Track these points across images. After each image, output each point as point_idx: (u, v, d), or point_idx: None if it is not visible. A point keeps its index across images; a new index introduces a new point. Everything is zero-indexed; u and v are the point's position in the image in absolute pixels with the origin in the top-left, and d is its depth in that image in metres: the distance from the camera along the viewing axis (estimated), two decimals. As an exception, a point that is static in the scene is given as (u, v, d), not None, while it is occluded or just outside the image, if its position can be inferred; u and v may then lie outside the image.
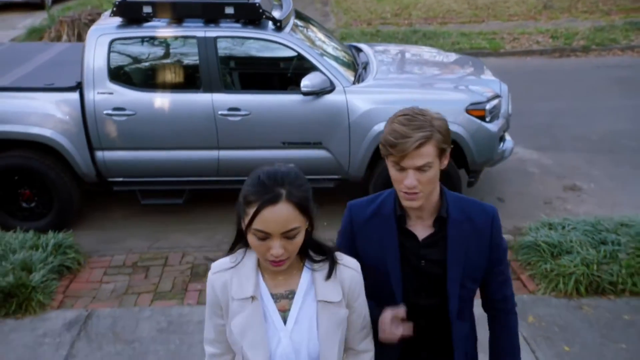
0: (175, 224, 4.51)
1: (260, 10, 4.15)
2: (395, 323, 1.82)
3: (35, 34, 10.33)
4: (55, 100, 4.20)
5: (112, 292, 3.64)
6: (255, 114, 4.16)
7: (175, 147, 4.25)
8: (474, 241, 1.89)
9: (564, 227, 3.84)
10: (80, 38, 9.83)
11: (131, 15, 4.22)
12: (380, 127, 4.13)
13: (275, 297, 1.75)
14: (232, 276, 1.76)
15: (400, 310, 1.82)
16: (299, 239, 1.64)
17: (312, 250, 1.76)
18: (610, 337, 3.05)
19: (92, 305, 3.48)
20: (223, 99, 4.18)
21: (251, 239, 1.63)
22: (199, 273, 3.83)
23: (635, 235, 3.60)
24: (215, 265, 1.77)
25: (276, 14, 4.36)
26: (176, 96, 4.24)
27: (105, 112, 4.15)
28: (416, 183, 1.76)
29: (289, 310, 1.75)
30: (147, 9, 4.15)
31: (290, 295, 1.76)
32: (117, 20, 4.24)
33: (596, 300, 3.36)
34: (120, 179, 4.39)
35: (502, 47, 9.94)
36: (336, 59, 4.57)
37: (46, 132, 4.17)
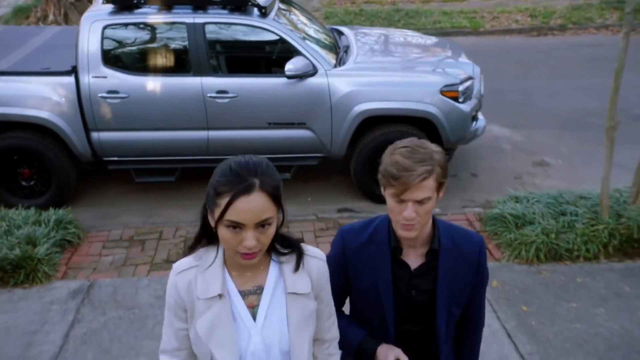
0: (168, 201, 4.77)
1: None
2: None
3: (21, 13, 10.38)
4: (51, 83, 4.40)
5: (111, 264, 3.92)
6: (242, 96, 4.40)
7: (167, 128, 4.49)
8: (461, 269, 1.93)
9: (528, 200, 4.17)
10: (67, 18, 9.93)
11: (123, 2, 4.40)
12: (360, 107, 4.41)
13: (243, 294, 1.70)
14: (197, 275, 1.69)
15: (398, 350, 1.86)
16: (272, 230, 1.60)
17: (279, 244, 1.71)
18: (563, 298, 3.40)
19: (94, 276, 3.75)
20: (212, 82, 4.42)
21: (223, 231, 1.57)
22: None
23: (591, 207, 3.94)
24: (177, 266, 1.70)
25: (261, 0, 4.59)
26: (167, 79, 4.47)
27: (99, 95, 4.37)
28: (414, 215, 1.76)
29: (258, 306, 1.71)
30: (138, -4, 4.37)
31: (259, 290, 1.72)
32: (110, 6, 4.42)
33: (554, 265, 3.70)
34: (115, 159, 4.62)
35: (482, 26, 10.18)
36: (318, 42, 4.80)
37: (43, 114, 4.38)
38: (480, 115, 4.99)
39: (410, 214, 1.74)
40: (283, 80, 4.34)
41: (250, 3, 4.39)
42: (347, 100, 4.41)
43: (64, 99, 4.40)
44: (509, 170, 5.30)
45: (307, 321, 1.73)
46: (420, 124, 4.52)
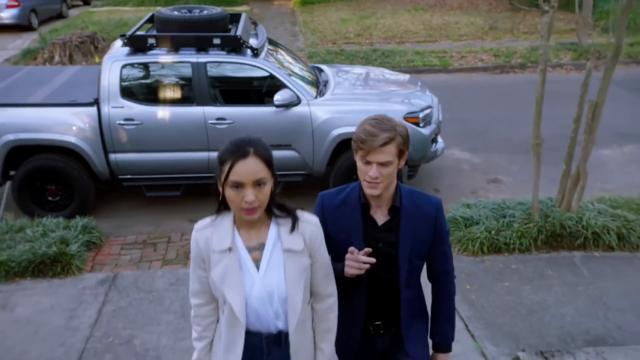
0: (174, 212, 5.54)
1: (241, 41, 5.26)
2: (357, 256, 2.14)
3: (29, 55, 11.22)
4: (77, 113, 5.20)
5: (129, 261, 4.68)
6: (238, 122, 5.24)
7: (174, 150, 5.28)
8: (421, 225, 2.21)
9: (477, 207, 5.02)
10: (72, 58, 10.81)
11: (138, 46, 5.26)
12: (337, 131, 5.25)
13: (249, 249, 2.03)
14: (213, 233, 2.02)
15: (353, 248, 2.14)
16: (267, 189, 1.91)
17: (277, 209, 2.04)
18: (499, 279, 4.22)
19: (116, 269, 4.51)
20: (212, 111, 5.25)
21: (228, 192, 1.90)
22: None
23: (526, 210, 4.80)
24: (197, 225, 2.04)
25: (253, 42, 5.47)
26: (174, 109, 5.29)
27: (117, 122, 5.18)
28: (378, 175, 2.06)
29: (260, 259, 2.03)
30: (151, 41, 5.22)
31: (261, 247, 2.03)
32: (127, 49, 5.29)
33: (494, 256, 4.52)
34: (129, 176, 5.40)
35: (450, 65, 11.20)
36: (302, 77, 5.70)
37: (70, 138, 5.18)
38: (439, 139, 5.88)
39: (375, 174, 2.06)
40: (272, 109, 5.20)
41: (244, 45, 5.28)
42: (325, 126, 5.27)
43: (87, 126, 5.20)
44: (467, 186, 6.17)
45: (301, 274, 2.03)
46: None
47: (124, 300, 4.05)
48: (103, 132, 5.20)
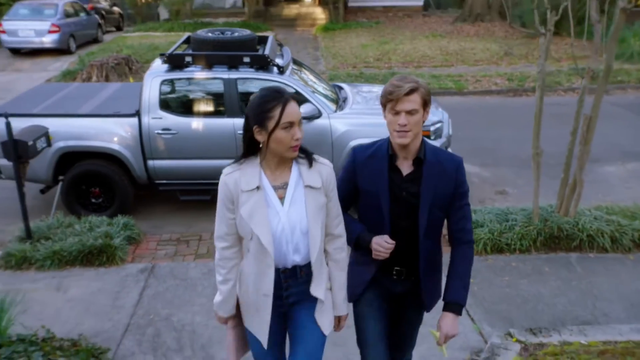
0: (204, 215, 6.04)
1: (268, 60, 5.82)
2: (390, 244, 2.38)
3: (68, 76, 11.99)
4: (120, 123, 5.78)
5: (165, 254, 5.19)
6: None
7: (206, 157, 5.79)
8: (442, 179, 2.40)
9: (482, 212, 5.46)
10: (108, 79, 11.53)
11: (176, 63, 5.84)
12: (354, 142, 5.74)
13: (275, 188, 2.26)
14: (240, 175, 2.24)
15: (386, 236, 2.40)
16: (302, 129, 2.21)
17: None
18: (500, 275, 4.63)
19: (154, 261, 5.03)
20: (241, 122, 5.76)
21: (280, 134, 2.15)
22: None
23: (527, 215, 5.22)
24: (226, 170, 2.28)
25: (279, 61, 6.03)
26: (207, 120, 5.83)
27: (156, 131, 5.74)
28: (407, 122, 2.27)
29: (284, 197, 2.26)
30: (187, 59, 5.81)
31: (285, 186, 2.27)
32: (166, 66, 5.88)
33: (497, 256, 4.94)
34: (165, 181, 5.96)
35: (465, 88, 11.67)
36: (323, 94, 6.23)
37: (114, 146, 5.76)
38: (449, 151, 6.34)
39: (404, 121, 2.28)
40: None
41: (271, 64, 5.84)
42: (344, 137, 5.77)
43: (129, 135, 5.77)
44: (475, 196, 6.59)
45: (320, 210, 2.31)
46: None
47: (162, 286, 4.55)
48: (143, 140, 5.76)
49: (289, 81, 5.80)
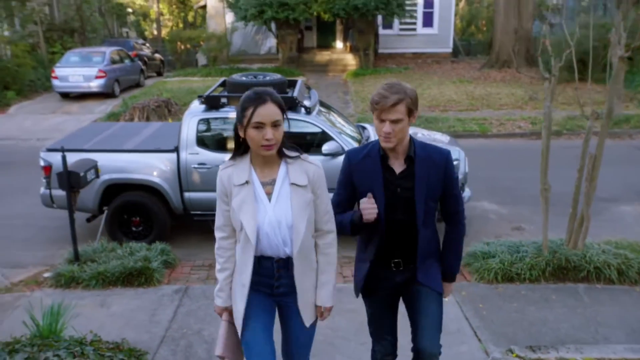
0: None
1: (297, 101, 6.35)
2: (370, 199, 2.55)
3: (113, 117, 12.83)
4: (160, 158, 6.34)
5: (198, 278, 5.62)
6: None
7: (237, 191, 6.33)
8: (432, 172, 2.59)
9: (495, 244, 5.76)
10: (149, 120, 12.31)
11: (212, 104, 6.39)
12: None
13: (263, 184, 2.44)
14: (233, 170, 2.46)
15: (370, 195, 2.57)
16: (281, 130, 2.36)
17: (286, 150, 2.49)
18: (508, 301, 4.91)
19: (188, 284, 5.47)
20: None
21: (251, 132, 2.32)
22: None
23: (537, 247, 5.51)
24: (222, 166, 2.51)
25: (307, 102, 6.55)
26: (240, 157, 6.37)
27: (192, 166, 6.27)
28: (391, 130, 2.45)
29: (272, 193, 2.45)
30: (223, 100, 6.37)
31: (273, 182, 2.45)
32: (203, 107, 6.45)
33: (507, 284, 5.21)
34: (199, 212, 6.46)
35: (489, 131, 12.04)
36: (347, 133, 6.71)
37: (155, 179, 6.31)
38: (466, 188, 6.71)
39: (388, 129, 2.48)
40: (321, 157, 6.19)
41: (299, 105, 6.36)
42: (365, 173, 6.20)
43: (168, 169, 6.32)
44: (492, 232, 6.89)
45: (306, 207, 2.48)
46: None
47: (194, 305, 4.97)
48: (180, 174, 6.29)
49: (315, 121, 6.30)
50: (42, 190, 6.44)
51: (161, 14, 37.04)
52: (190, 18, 38.44)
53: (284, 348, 2.83)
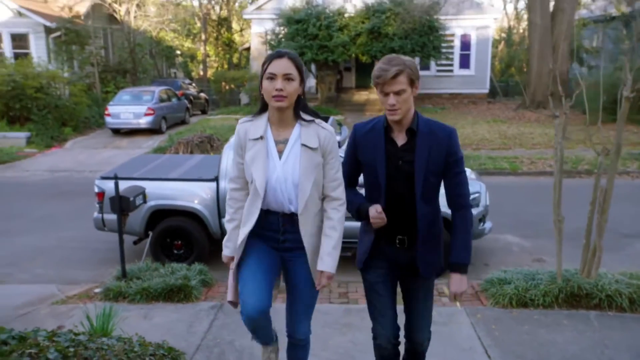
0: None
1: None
2: (379, 212, 2.59)
3: (159, 151, 13.65)
4: (202, 186, 6.93)
5: (232, 297, 6.10)
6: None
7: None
8: (435, 147, 2.60)
9: (512, 272, 6.06)
10: (192, 154, 13.07)
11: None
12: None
13: (276, 142, 2.53)
14: (250, 125, 2.57)
15: (377, 206, 2.62)
16: (294, 85, 2.43)
17: (303, 111, 2.57)
18: (522, 324, 5.18)
19: (223, 301, 5.94)
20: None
21: (264, 83, 2.42)
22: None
23: (552, 276, 5.79)
24: (240, 120, 2.63)
25: (337, 137, 7.05)
26: (274, 187, 6.91)
27: (231, 195, 6.85)
28: (395, 102, 2.47)
29: (283, 152, 2.53)
30: (260, 135, 6.97)
31: (285, 142, 2.53)
32: (242, 141, 7.04)
33: (521, 309, 5.48)
34: (236, 237, 6.99)
35: (520, 169, 12.28)
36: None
37: (197, 205, 6.89)
38: (487, 220, 7.04)
39: (392, 101, 2.50)
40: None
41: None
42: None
43: (208, 196, 6.89)
44: (513, 263, 7.14)
45: (314, 169, 2.56)
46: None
47: (228, 319, 5.44)
48: (219, 201, 6.84)
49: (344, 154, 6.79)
50: (95, 214, 7.09)
51: (207, 55, 38.77)
52: (234, 59, 40.05)
53: (288, 308, 2.94)
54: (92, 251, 7.77)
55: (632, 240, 7.88)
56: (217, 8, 38.80)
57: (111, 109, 17.31)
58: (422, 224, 2.71)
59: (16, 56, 20.08)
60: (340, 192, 2.73)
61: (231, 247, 2.82)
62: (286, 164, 2.55)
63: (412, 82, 2.56)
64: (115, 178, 6.15)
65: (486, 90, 25.06)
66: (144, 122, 17.07)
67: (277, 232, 2.69)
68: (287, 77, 2.46)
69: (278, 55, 2.50)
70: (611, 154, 5.60)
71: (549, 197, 10.92)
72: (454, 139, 2.66)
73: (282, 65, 2.47)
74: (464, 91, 24.68)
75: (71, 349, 2.40)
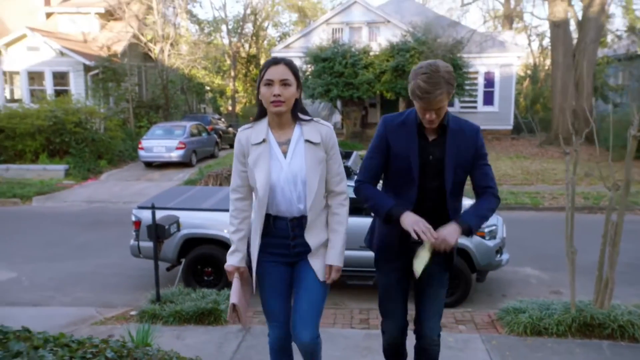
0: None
1: (350, 169, 7.25)
2: (417, 222, 2.55)
3: (189, 184, 14.21)
4: (232, 217, 7.38)
5: (259, 321, 6.41)
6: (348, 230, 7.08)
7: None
8: (463, 143, 2.69)
9: (528, 302, 6.29)
10: (221, 185, 13.57)
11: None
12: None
13: (279, 144, 2.55)
14: (252, 132, 2.58)
15: (423, 221, 2.57)
16: (291, 90, 2.47)
17: (301, 113, 2.61)
18: (535, 352, 5.39)
19: (250, 324, 6.29)
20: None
21: (262, 90, 2.44)
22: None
23: (566, 307, 6.00)
24: (241, 128, 2.62)
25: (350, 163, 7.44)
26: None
27: (259, 225, 7.25)
28: (434, 117, 2.59)
29: (287, 152, 2.55)
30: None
31: (288, 142, 2.56)
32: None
33: (535, 338, 5.69)
34: (263, 265, 7.36)
35: (541, 204, 12.46)
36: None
37: (226, 234, 7.30)
38: (504, 251, 7.29)
39: (432, 117, 2.61)
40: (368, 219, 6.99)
41: (352, 173, 7.25)
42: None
43: (238, 226, 7.31)
44: (531, 294, 7.34)
45: (319, 164, 2.59)
46: (458, 252, 6.91)
47: (255, 341, 5.77)
48: (248, 231, 7.24)
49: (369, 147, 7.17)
50: (132, 242, 7.56)
51: (236, 91, 39.90)
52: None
53: (295, 308, 2.87)
54: (127, 277, 8.22)
55: (650, 274, 8.00)
56: (247, 46, 40.04)
57: (144, 142, 18.05)
58: (452, 217, 2.77)
59: (56, 92, 21.18)
60: (343, 186, 2.79)
61: (237, 258, 2.81)
62: (292, 162, 2.59)
63: (449, 94, 2.62)
64: (152, 208, 6.62)
65: (510, 127, 25.29)
66: (175, 155, 17.74)
67: (287, 237, 2.71)
68: (284, 83, 2.52)
69: (274, 62, 2.55)
70: (621, 189, 5.85)
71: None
72: (481, 135, 2.81)
73: (279, 71, 2.52)
74: (488, 127, 24.95)
75: (124, 350, 2.78)
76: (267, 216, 2.67)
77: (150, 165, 18.45)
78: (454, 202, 2.76)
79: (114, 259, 9.05)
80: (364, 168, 2.93)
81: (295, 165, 2.59)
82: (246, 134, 2.64)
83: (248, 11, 37.75)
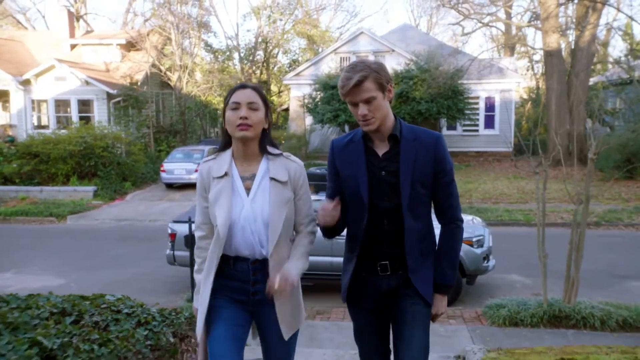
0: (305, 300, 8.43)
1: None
2: (330, 208, 2.26)
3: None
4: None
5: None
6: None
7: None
8: (421, 154, 2.33)
9: (509, 300, 7.38)
10: (239, 206, 14.75)
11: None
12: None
13: (243, 179, 2.32)
14: (214, 163, 2.37)
15: (332, 202, 2.29)
16: (259, 115, 2.28)
17: (269, 145, 2.38)
18: (510, 337, 6.48)
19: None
20: (336, 232, 8.29)
21: (228, 114, 2.26)
22: (319, 312, 7.70)
23: (540, 303, 7.09)
24: (203, 160, 2.41)
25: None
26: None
27: (278, 236, 8.36)
28: (367, 112, 2.24)
29: (251, 188, 2.31)
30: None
31: (253, 177, 2.32)
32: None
33: (512, 328, 6.76)
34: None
35: (533, 220, 13.49)
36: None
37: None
38: (491, 258, 8.40)
39: (363, 112, 2.26)
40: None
41: (359, 192, 8.39)
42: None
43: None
44: (514, 296, 8.44)
45: (284, 204, 2.32)
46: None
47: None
48: (269, 241, 8.37)
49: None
50: (168, 251, 8.73)
51: (248, 116, 41.09)
52: (273, 119, 42.45)
53: None
54: (162, 283, 9.38)
55: (621, 279, 9.08)
56: (258, 72, 41.58)
57: (166, 165, 19.30)
58: (409, 238, 2.39)
59: (81, 119, 22.61)
60: (313, 226, 2.56)
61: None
62: (255, 201, 2.35)
63: (382, 87, 2.31)
64: (189, 222, 7.81)
65: (510, 149, 26.42)
66: (194, 177, 18.91)
67: (247, 282, 2.42)
68: (252, 107, 2.33)
69: (242, 86, 2.40)
70: (583, 203, 6.98)
71: (557, 245, 12.26)
72: (442, 144, 2.41)
73: (246, 94, 2.35)
74: (489, 149, 26.08)
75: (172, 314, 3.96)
76: (227, 257, 2.41)
77: (171, 186, 19.67)
78: (414, 223, 2.39)
79: (147, 268, 10.23)
80: (326, 195, 2.68)
81: (257, 203, 2.36)
82: (208, 166, 2.44)
83: (259, 39, 39.38)
